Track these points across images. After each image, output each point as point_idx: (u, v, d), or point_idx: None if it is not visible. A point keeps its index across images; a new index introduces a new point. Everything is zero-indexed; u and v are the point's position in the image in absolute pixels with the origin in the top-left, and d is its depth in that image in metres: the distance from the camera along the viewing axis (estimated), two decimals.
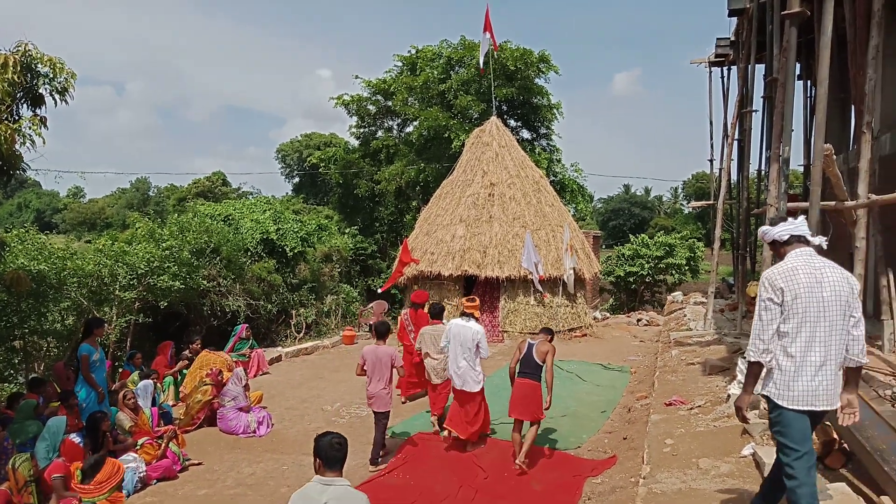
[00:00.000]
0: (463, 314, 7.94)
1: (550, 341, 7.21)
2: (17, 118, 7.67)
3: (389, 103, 26.85)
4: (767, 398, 3.72)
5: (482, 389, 7.64)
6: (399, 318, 9.49)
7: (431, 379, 8.28)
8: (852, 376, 3.70)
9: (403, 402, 9.78)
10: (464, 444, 7.55)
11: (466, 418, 7.56)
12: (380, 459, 7.41)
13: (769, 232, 3.81)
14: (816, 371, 3.53)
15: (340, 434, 3.59)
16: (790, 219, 3.79)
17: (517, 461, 6.87)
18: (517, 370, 7.13)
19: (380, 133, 28.52)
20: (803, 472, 3.49)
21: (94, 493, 3.33)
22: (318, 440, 3.50)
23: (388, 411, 7.53)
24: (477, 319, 7.93)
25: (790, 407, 3.57)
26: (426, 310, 9.81)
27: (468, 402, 7.58)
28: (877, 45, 6.77)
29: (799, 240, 3.71)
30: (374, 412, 7.52)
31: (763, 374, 3.79)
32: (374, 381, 7.47)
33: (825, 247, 3.76)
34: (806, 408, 3.55)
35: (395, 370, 7.52)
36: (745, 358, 6.48)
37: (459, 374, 7.56)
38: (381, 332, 7.78)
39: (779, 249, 3.80)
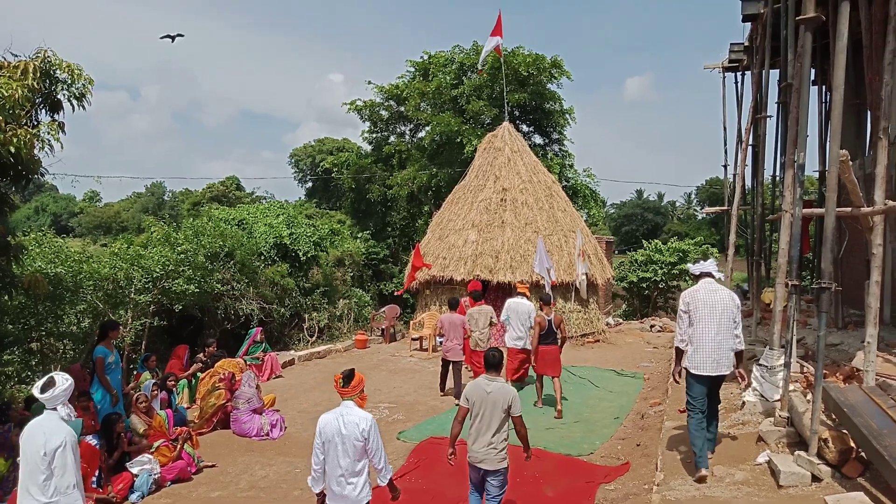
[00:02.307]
0: (518, 293, 10.95)
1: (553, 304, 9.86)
2: (35, 123, 7.79)
3: (402, 108, 26.97)
4: (686, 368, 5.83)
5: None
6: (460, 302, 11.50)
7: (478, 347, 10.35)
8: (737, 357, 5.86)
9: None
10: None
11: (517, 368, 10.42)
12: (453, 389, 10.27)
13: (691, 269, 6.25)
14: (708, 354, 5.66)
15: (498, 348, 5.61)
16: (701, 261, 6.24)
17: (558, 415, 9.22)
18: (539, 340, 9.46)
19: (392, 138, 28.62)
20: (694, 413, 5.69)
21: (351, 394, 4.73)
22: (486, 353, 5.39)
23: (462, 360, 10.37)
24: (528, 298, 10.95)
25: (693, 371, 5.75)
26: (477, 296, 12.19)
27: (520, 357, 10.34)
28: (893, 51, 6.70)
29: (707, 274, 5.96)
30: (452, 361, 10.32)
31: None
32: (450, 339, 10.37)
33: (723, 278, 6.25)
34: (701, 373, 5.69)
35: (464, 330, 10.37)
36: (759, 364, 6.46)
37: (520, 338, 10.26)
38: (452, 305, 10.92)
39: (696, 279, 6.03)
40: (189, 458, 7.33)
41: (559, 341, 9.67)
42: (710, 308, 5.68)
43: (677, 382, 6.13)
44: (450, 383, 10.52)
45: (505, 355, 10.03)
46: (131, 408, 7.99)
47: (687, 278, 25.65)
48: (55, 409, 4.20)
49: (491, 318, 10.48)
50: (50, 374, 4.32)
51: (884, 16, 6.94)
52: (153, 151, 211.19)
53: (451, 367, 10.41)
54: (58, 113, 8.00)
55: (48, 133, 7.48)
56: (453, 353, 10.31)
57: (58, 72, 7.78)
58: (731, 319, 5.67)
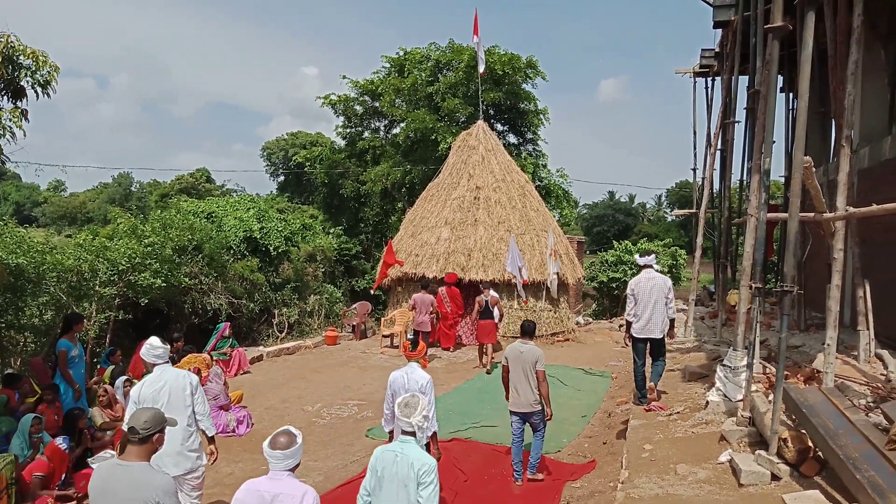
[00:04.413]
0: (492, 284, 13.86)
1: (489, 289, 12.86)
2: None
3: (377, 104, 26.83)
4: (631, 335, 7.88)
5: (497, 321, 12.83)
6: (437, 293, 14.04)
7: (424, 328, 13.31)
8: (669, 325, 7.87)
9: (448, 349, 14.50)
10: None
11: (490, 335, 12.64)
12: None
13: (638, 259, 8.26)
14: (646, 323, 7.71)
15: (532, 321, 7.19)
16: (646, 256, 8.16)
17: (485, 368, 12.37)
18: (479, 316, 12.49)
19: (366, 134, 28.46)
20: (638, 365, 7.91)
21: (417, 356, 5.76)
22: (523, 323, 6.91)
23: (429, 331, 13.21)
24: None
25: (636, 335, 7.81)
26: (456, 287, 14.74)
27: (492, 330, 12.63)
28: (856, 61, 6.90)
29: (648, 266, 7.95)
30: (421, 332, 12.60)
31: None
32: (420, 314, 13.24)
33: (658, 268, 8.14)
34: (642, 336, 7.77)
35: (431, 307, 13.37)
36: (723, 365, 6.57)
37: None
38: (424, 285, 13.79)
39: (640, 269, 8.00)
40: None
41: (495, 318, 12.57)
42: (649, 292, 7.69)
43: (626, 345, 8.22)
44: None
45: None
46: (94, 402, 7.84)
47: (667, 277, 26.23)
48: (167, 362, 5.32)
49: (432, 302, 13.57)
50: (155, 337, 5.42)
51: (848, 27, 7.12)
52: (121, 141, 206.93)
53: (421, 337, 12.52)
54: (21, 100, 7.76)
55: (10, 120, 7.28)
56: (423, 325, 13.11)
57: (21, 58, 7.55)
58: (663, 297, 7.69)
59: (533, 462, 6.84)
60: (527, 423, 6.74)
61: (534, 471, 6.84)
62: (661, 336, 7.83)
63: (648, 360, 8.03)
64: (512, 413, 6.73)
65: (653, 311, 7.68)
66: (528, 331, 6.84)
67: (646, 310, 7.69)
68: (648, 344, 7.84)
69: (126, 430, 3.44)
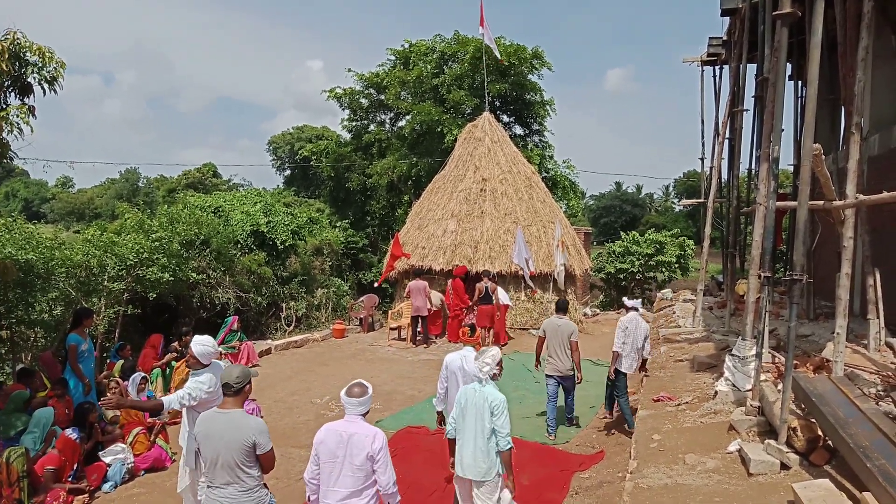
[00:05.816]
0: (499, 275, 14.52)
1: (493, 279, 13.41)
2: (4, 106, 7.59)
3: (382, 97, 26.76)
4: (617, 369, 8.04)
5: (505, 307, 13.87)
6: (446, 287, 14.53)
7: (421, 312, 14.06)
8: (643, 362, 8.49)
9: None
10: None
11: (489, 319, 13.07)
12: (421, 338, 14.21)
13: (627, 302, 8.62)
14: (630, 357, 8.04)
15: (565, 299, 9.11)
16: (634, 300, 8.64)
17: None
18: (479, 301, 12.93)
19: (372, 127, 28.41)
20: (623, 397, 8.01)
21: (473, 342, 6.17)
22: (558, 301, 8.34)
23: (426, 315, 13.98)
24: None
25: (621, 370, 8.00)
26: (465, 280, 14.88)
27: (491, 315, 13.13)
28: (866, 47, 6.81)
29: (634, 308, 8.35)
30: (420, 317, 13.94)
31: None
32: (416, 299, 13.73)
33: (642, 310, 8.93)
34: (627, 371, 8.05)
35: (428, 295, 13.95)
36: (732, 355, 6.55)
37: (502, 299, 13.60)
38: (417, 273, 14.45)
39: (627, 309, 8.41)
40: (162, 450, 7.26)
41: (494, 303, 13.12)
42: (634, 332, 8.12)
43: (611, 378, 8.27)
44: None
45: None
46: (104, 396, 7.89)
47: (662, 269, 26.22)
48: (218, 361, 5.60)
49: (426, 287, 13.99)
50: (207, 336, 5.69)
51: (857, 13, 7.03)
52: (128, 137, 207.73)
53: (419, 321, 14.05)
54: (28, 96, 7.79)
55: (17, 116, 7.30)
56: (420, 310, 13.79)
57: (28, 54, 7.57)
58: (643, 337, 8.23)
59: (569, 415, 8.31)
60: (561, 386, 8.00)
61: (571, 423, 8.27)
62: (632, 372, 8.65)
63: None
64: (548, 376, 7.97)
65: (634, 348, 8.10)
66: (562, 307, 8.09)
67: (631, 345, 8.11)
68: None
69: (222, 385, 4.11)
